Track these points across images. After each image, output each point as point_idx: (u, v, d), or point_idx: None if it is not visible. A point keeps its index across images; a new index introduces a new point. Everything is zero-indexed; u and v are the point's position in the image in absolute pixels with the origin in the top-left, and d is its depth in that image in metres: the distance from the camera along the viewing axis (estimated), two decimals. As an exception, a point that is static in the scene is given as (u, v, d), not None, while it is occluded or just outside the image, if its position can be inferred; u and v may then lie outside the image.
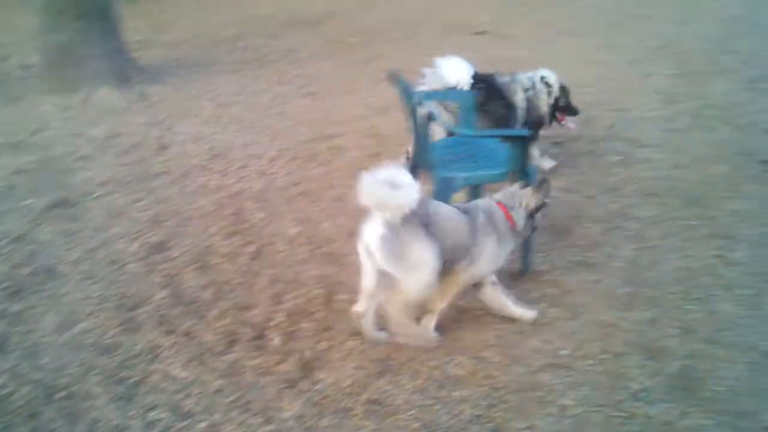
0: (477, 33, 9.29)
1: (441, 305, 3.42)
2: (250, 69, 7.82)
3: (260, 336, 3.57)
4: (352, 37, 8.96)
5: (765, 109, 6.70)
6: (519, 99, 4.98)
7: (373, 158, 5.44)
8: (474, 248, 3.31)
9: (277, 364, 3.37)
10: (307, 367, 3.34)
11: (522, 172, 3.75)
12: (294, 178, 5.32)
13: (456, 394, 3.14)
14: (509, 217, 3.44)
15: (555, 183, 5.03)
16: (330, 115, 6.55)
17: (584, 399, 3.08)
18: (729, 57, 8.46)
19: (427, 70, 4.89)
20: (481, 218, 3.36)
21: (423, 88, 4.70)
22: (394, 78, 3.95)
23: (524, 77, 5.09)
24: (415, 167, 4.04)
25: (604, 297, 3.82)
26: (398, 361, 3.34)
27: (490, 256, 3.37)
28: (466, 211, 3.38)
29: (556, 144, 5.82)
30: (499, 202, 3.47)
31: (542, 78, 5.11)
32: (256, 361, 3.39)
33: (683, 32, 9.69)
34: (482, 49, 8.57)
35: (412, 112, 3.72)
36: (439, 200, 3.66)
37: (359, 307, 3.40)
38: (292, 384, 3.24)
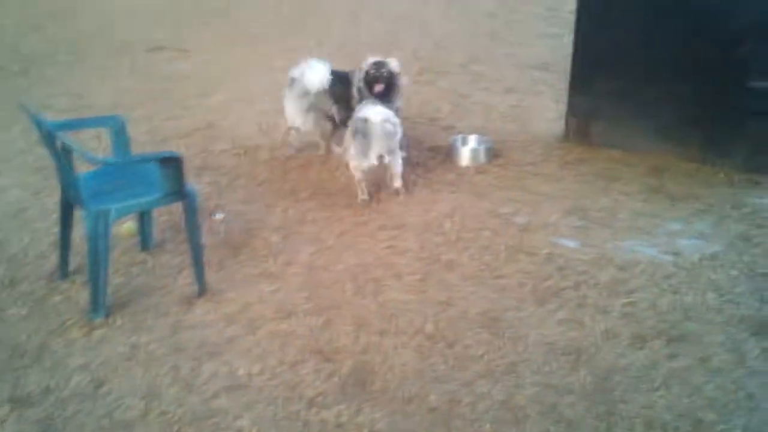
0: (151, 49, 8.98)
1: None
2: None
3: None
4: (14, 64, 8.25)
5: (428, 100, 7.19)
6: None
7: (37, 196, 5.06)
8: None
9: None
10: None
11: (179, 194, 3.63)
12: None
13: (128, 440, 2.96)
14: None
15: (233, 195, 5.03)
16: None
17: (260, 417, 3.04)
18: (397, 53, 8.97)
19: (295, 74, 5.52)
20: None
21: (291, 94, 5.55)
22: (25, 111, 3.63)
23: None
24: (68, 203, 3.77)
25: (282, 306, 3.82)
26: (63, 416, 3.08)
27: None
28: None
29: (237, 155, 5.78)
30: None
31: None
32: None
33: (357, 32, 10.14)
34: (158, 64, 8.34)
35: (50, 146, 3.44)
36: (95, 236, 3.45)
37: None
38: None
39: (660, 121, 5.55)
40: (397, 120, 5.00)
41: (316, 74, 5.48)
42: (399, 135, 4.99)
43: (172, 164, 3.52)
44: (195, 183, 5.16)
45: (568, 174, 5.45)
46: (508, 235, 4.56)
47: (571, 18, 5.92)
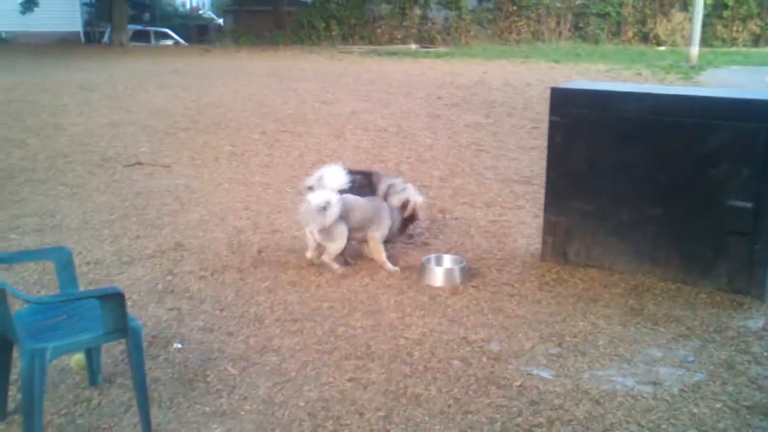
0: (130, 165, 8.93)
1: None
2: None
3: None
4: (-14, 181, 8.17)
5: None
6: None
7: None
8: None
9: None
10: None
11: (122, 332, 3.41)
12: None
13: None
14: None
15: (194, 323, 4.80)
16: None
17: None
18: (380, 166, 8.95)
19: (311, 182, 5.79)
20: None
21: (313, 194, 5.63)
22: None
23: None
24: (5, 339, 3.54)
25: (231, 451, 3.55)
26: None
27: None
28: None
29: (202, 278, 5.58)
30: None
31: None
32: None
33: (341, 145, 10.15)
34: (135, 181, 8.26)
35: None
36: (30, 377, 3.22)
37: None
38: None
39: (638, 240, 5.41)
40: (334, 207, 5.45)
41: (334, 176, 5.72)
42: (331, 220, 5.46)
43: (114, 300, 3.33)
44: (156, 308, 5.00)
45: (545, 295, 5.26)
46: (480, 364, 4.32)
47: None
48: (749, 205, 4.92)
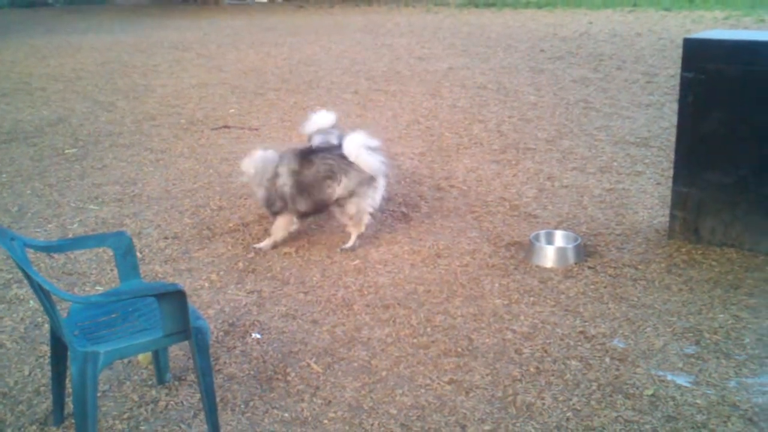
0: (217, 128, 8.53)
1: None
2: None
3: None
4: (73, 147, 7.90)
5: (509, 183, 6.39)
6: None
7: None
8: None
9: None
10: None
11: (183, 334, 2.93)
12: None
13: None
14: None
15: (276, 308, 4.33)
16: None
17: None
18: (479, 126, 8.27)
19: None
20: None
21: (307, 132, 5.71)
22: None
23: None
24: (58, 342, 3.13)
25: (312, 469, 3.05)
26: None
27: None
28: None
29: (287, 255, 5.10)
30: None
31: None
32: None
33: (437, 104, 9.49)
34: (221, 145, 7.85)
35: (26, 276, 2.82)
36: (82, 383, 2.79)
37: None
38: None
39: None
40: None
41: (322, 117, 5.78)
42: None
43: (174, 299, 2.84)
44: (236, 291, 4.55)
45: (675, 280, 4.54)
46: (602, 366, 3.68)
47: (673, 83, 5.08)
48: None
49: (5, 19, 22.96)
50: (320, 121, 5.73)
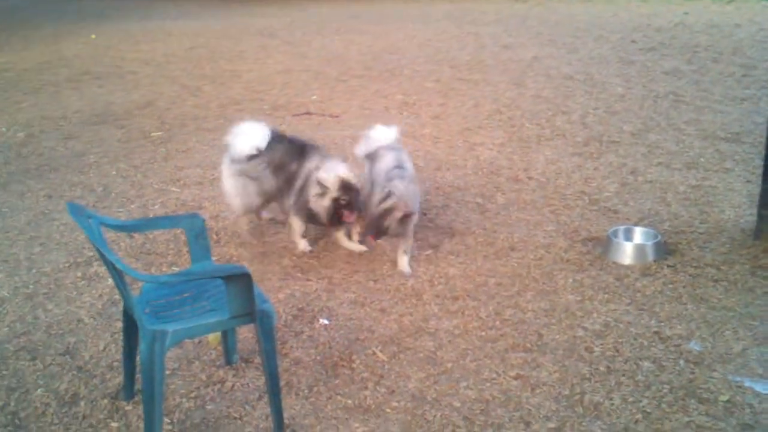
0: (298, 114, 8.60)
1: None
2: (20, 182, 6.62)
3: None
4: (159, 130, 8.10)
5: (590, 176, 6.23)
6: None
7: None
8: None
9: None
10: None
11: (248, 316, 2.96)
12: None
13: None
14: None
15: (345, 295, 4.34)
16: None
17: None
18: (562, 118, 8.09)
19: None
20: None
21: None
22: (79, 213, 3.06)
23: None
24: (130, 320, 3.21)
25: (374, 457, 3.05)
26: None
27: None
28: None
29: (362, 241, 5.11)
30: None
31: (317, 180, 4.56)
32: None
33: (520, 94, 9.33)
34: (301, 131, 7.90)
35: (100, 254, 2.89)
36: (150, 360, 2.86)
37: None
38: None
39: None
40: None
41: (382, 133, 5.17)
42: None
43: (240, 281, 2.87)
44: (306, 277, 4.57)
45: (759, 283, 4.34)
46: (676, 369, 3.55)
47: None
48: None
49: (102, 5, 23.72)
50: (380, 137, 5.09)
